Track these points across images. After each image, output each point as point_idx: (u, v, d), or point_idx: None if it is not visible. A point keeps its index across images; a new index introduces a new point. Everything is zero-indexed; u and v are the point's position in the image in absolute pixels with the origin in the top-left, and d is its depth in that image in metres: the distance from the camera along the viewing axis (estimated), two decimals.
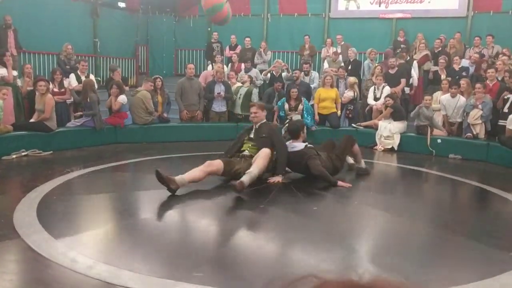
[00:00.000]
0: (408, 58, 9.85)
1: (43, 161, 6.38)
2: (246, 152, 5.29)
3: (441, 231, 3.89)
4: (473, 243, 3.63)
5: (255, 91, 9.14)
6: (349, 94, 9.23)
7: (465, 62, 9.58)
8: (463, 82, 8.26)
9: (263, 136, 5.29)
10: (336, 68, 10.13)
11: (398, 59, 9.62)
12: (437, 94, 8.55)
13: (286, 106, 8.53)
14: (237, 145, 5.47)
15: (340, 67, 9.96)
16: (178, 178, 4.57)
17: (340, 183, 5.15)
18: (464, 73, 9.13)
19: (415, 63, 9.55)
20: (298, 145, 5.46)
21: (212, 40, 12.07)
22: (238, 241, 3.61)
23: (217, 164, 4.93)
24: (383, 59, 10.89)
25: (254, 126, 5.50)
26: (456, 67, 9.30)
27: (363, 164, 6.05)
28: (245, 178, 4.61)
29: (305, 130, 5.56)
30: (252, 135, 5.45)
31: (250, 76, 9.54)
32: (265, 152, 5.00)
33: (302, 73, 9.63)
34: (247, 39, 11.59)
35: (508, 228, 4.16)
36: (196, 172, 4.74)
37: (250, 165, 4.96)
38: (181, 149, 7.58)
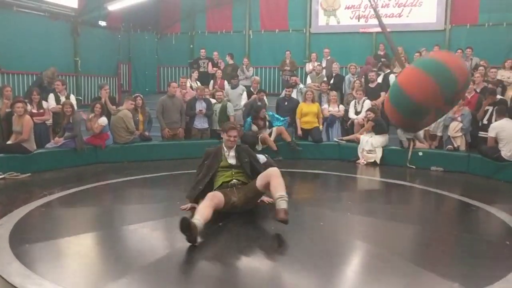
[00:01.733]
0: (388, 71, 9.93)
1: (20, 184, 6.24)
2: (235, 181, 4.52)
3: (426, 249, 3.87)
4: (457, 259, 3.63)
5: (229, 104, 9.15)
6: (342, 107, 9.27)
7: None
8: None
9: (246, 161, 4.69)
10: (318, 82, 10.19)
11: (377, 72, 9.74)
12: None
13: (255, 127, 8.60)
14: (208, 176, 4.61)
15: (323, 81, 10.01)
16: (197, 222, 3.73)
17: None
18: None
19: (391, 76, 9.65)
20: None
21: (200, 57, 12.05)
22: (237, 264, 3.48)
23: (220, 196, 4.21)
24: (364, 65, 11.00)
25: (227, 151, 4.72)
26: None
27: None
28: (285, 204, 3.98)
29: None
30: (231, 161, 4.67)
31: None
32: (277, 171, 4.29)
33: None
34: (229, 55, 11.60)
35: (491, 242, 4.14)
36: (205, 211, 3.93)
37: (245, 194, 4.40)
38: (164, 167, 7.50)
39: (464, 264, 3.48)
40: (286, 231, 4.03)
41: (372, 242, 3.96)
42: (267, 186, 4.25)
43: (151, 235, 4.09)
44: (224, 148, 4.75)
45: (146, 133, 8.74)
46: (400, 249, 3.85)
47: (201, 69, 11.50)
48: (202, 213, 3.87)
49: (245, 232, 4.11)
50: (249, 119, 8.73)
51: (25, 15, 10.71)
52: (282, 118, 8.84)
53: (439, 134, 8.22)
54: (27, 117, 6.98)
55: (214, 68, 11.34)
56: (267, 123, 8.74)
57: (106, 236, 4.05)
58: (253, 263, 3.47)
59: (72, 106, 7.64)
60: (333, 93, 9.39)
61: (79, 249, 3.75)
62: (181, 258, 3.52)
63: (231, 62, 11.59)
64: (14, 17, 10.48)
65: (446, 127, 7.93)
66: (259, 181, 4.34)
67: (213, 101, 9.24)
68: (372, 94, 9.22)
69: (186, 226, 3.57)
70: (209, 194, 4.17)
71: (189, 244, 3.62)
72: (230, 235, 4.05)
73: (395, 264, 3.40)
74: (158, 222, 4.50)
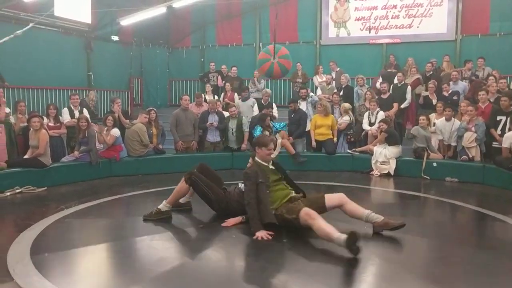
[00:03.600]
0: (403, 82, 9.91)
1: (37, 197, 6.29)
2: (295, 194, 4.53)
3: (442, 261, 3.80)
4: (474, 272, 3.56)
5: (245, 120, 9.15)
6: (345, 119, 9.24)
7: (454, 87, 9.63)
8: (463, 104, 8.29)
9: (286, 172, 4.73)
10: (329, 94, 10.20)
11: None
12: (431, 117, 8.56)
13: (266, 133, 8.64)
14: (268, 194, 4.40)
15: (334, 93, 10.01)
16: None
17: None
18: (455, 97, 9.20)
19: (409, 88, 9.66)
20: None
21: (210, 70, 12.15)
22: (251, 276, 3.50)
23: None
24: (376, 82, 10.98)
25: (269, 165, 4.62)
26: (445, 93, 9.36)
27: None
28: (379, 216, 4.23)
29: None
30: (277, 174, 4.62)
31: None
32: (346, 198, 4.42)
33: (298, 101, 9.67)
34: (233, 68, 11.67)
35: (509, 254, 4.08)
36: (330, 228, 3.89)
37: (311, 207, 4.22)
38: (177, 180, 7.43)
39: (482, 277, 3.42)
40: (301, 244, 4.03)
41: (387, 255, 3.94)
42: (335, 207, 4.39)
43: (165, 247, 4.13)
44: (264, 163, 4.60)
45: (160, 146, 8.80)
46: (415, 262, 3.81)
47: (211, 82, 11.59)
48: (333, 229, 3.83)
49: (262, 246, 4.10)
50: (259, 128, 8.74)
51: (40, 31, 10.92)
52: (281, 124, 9.10)
53: (453, 144, 8.18)
54: (43, 131, 7.07)
55: (223, 82, 11.40)
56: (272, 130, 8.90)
57: (122, 248, 4.07)
58: (265, 275, 3.46)
59: (87, 120, 7.73)
60: (344, 105, 9.38)
61: (95, 261, 3.81)
62: (194, 270, 3.53)
63: (235, 75, 11.60)
64: (30, 33, 10.59)
65: (460, 137, 7.88)
66: (331, 202, 4.39)
67: (225, 114, 9.29)
68: (384, 105, 9.21)
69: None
70: (312, 213, 4.03)
71: (202, 257, 3.77)
72: (240, 249, 4.06)
73: (409, 279, 3.36)
74: (172, 234, 4.53)
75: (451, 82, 9.69)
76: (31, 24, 8.97)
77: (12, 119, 7.87)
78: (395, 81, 10.07)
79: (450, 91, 9.40)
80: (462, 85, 9.68)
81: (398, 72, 10.21)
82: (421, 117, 8.26)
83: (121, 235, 4.57)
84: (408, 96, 9.59)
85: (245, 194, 4.40)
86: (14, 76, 9.92)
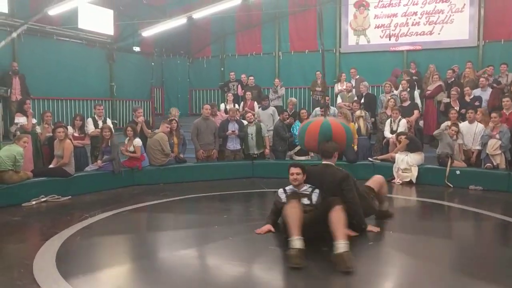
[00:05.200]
0: (410, 89, 9.89)
1: (62, 206, 6.42)
2: None
3: (465, 275, 3.70)
4: (500, 282, 3.50)
5: (263, 126, 9.20)
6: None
7: (477, 91, 9.50)
8: (478, 112, 8.18)
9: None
10: (349, 102, 10.15)
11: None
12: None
13: None
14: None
15: (354, 101, 9.97)
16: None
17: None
18: (477, 103, 9.05)
19: (416, 93, 9.75)
20: None
21: (230, 79, 12.26)
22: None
23: None
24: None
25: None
26: (467, 98, 9.23)
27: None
28: None
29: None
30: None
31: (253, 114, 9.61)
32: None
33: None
34: (251, 77, 11.73)
35: None
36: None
37: None
38: (199, 189, 7.58)
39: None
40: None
41: (414, 263, 3.90)
42: None
43: (191, 261, 4.13)
44: None
45: (181, 155, 8.88)
46: (442, 270, 3.76)
47: (231, 91, 11.69)
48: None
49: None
50: (298, 122, 8.97)
51: (64, 43, 11.22)
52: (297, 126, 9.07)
53: (475, 148, 8.04)
54: (68, 141, 7.22)
55: (243, 90, 11.47)
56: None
57: (146, 257, 4.11)
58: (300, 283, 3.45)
59: (110, 129, 7.86)
60: (356, 112, 9.32)
61: (119, 269, 3.86)
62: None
63: (252, 84, 11.65)
64: (54, 46, 10.97)
65: (484, 144, 7.75)
66: None
67: (244, 122, 9.34)
68: (405, 113, 9.13)
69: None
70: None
71: (223, 271, 3.71)
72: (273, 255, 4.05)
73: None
74: (196, 247, 4.52)
75: (479, 89, 9.54)
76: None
77: (38, 129, 8.06)
78: (400, 88, 10.00)
79: (472, 96, 9.27)
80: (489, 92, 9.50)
81: (403, 80, 10.09)
82: (453, 128, 8.03)
83: (148, 244, 4.63)
84: (418, 101, 9.68)
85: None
86: (40, 87, 10.21)
